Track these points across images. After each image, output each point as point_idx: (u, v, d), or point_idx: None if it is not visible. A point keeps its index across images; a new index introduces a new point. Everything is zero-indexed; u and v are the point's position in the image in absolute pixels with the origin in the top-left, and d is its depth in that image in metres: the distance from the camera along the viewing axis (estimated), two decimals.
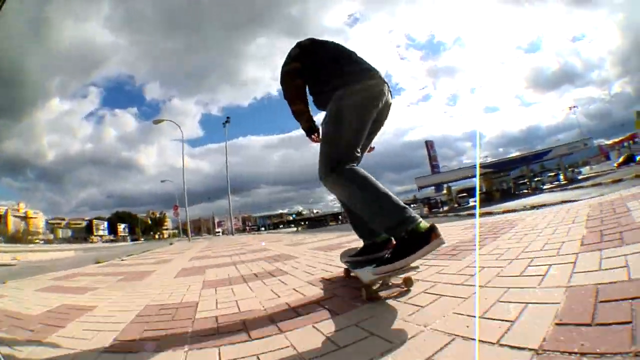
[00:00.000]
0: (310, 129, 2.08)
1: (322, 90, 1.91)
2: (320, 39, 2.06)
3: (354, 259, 2.12)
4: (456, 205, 40.14)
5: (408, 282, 1.73)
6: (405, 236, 1.51)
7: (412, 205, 34.00)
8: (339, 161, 1.75)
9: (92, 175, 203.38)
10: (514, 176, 40.49)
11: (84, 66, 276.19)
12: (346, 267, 2.20)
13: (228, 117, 36.54)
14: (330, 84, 1.83)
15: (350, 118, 1.76)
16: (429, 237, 1.46)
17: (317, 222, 55.44)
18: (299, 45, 2.03)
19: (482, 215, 10.48)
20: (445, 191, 45.84)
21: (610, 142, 52.32)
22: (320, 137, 1.97)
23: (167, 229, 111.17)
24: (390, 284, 1.78)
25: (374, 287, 1.69)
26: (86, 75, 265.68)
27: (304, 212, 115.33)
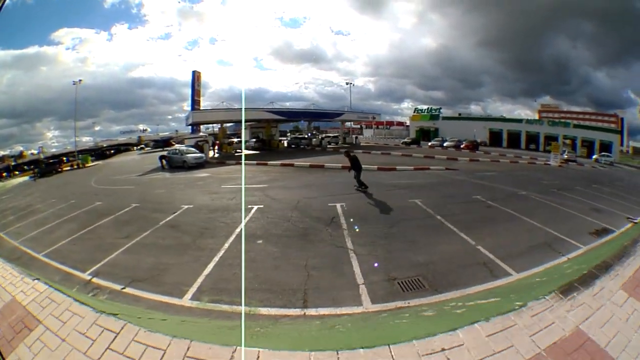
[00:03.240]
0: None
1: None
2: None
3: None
4: (233, 152, 34.58)
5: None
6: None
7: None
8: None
9: None
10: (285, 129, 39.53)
11: None
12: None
13: None
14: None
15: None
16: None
17: (48, 167, 38.85)
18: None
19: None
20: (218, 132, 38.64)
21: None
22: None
23: None
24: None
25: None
26: None
27: (26, 154, 78.79)
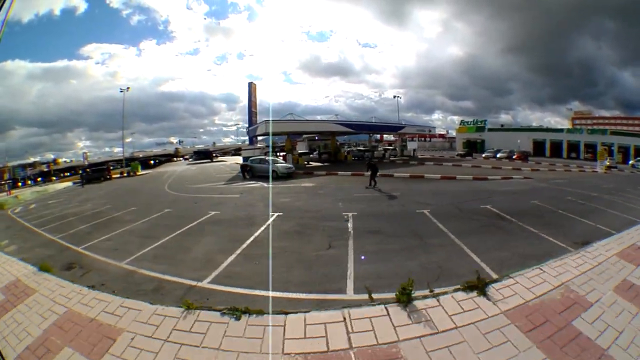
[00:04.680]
0: None
1: None
2: None
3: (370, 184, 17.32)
4: (305, 163, 34.49)
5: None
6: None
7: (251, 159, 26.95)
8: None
9: None
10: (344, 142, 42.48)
11: None
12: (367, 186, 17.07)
13: None
14: None
15: None
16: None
17: (95, 174, 37.54)
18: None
19: None
20: (285, 144, 37.16)
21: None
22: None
23: None
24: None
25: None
26: None
27: (60, 161, 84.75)
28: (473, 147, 43.05)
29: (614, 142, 36.05)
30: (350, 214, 11.52)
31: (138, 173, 42.35)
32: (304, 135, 42.25)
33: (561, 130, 41.69)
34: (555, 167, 28.25)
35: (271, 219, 11.31)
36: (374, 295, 5.56)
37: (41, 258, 8.85)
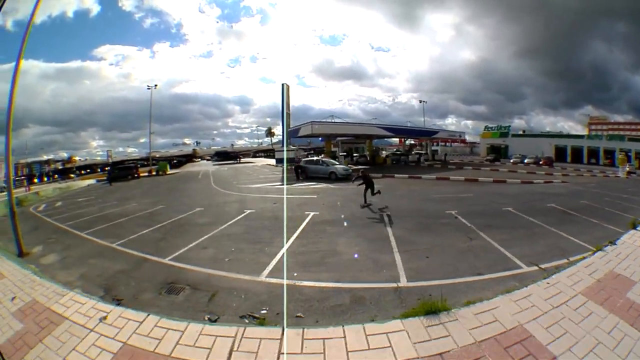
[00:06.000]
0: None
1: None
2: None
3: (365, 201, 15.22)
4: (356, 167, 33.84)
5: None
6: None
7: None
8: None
9: None
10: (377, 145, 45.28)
11: None
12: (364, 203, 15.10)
13: None
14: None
15: None
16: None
17: (121, 172, 38.33)
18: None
19: None
20: (327, 146, 38.64)
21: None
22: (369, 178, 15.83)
23: None
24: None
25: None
26: None
27: (75, 159, 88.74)
28: (497, 152, 45.89)
29: (631, 148, 38.38)
30: (454, 212, 13.25)
31: (167, 172, 43.64)
32: (338, 138, 43.92)
33: (582, 136, 44.02)
34: (582, 173, 31.88)
35: (386, 218, 12.35)
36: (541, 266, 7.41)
37: (110, 275, 7.18)
